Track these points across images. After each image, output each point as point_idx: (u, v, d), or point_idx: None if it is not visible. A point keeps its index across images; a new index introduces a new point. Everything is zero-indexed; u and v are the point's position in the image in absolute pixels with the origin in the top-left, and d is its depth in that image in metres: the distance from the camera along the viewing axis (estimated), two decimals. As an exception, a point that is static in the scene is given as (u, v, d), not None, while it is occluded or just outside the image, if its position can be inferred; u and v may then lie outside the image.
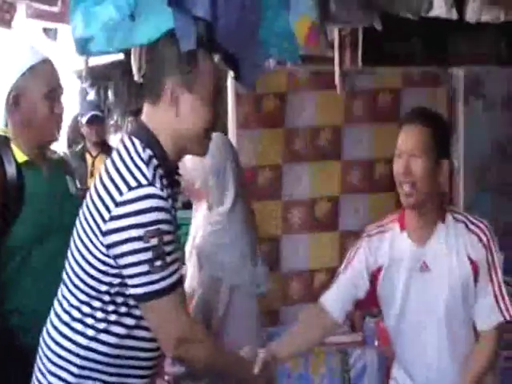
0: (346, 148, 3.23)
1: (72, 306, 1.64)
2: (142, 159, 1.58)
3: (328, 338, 2.85)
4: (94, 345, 1.62)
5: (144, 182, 1.55)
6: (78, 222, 1.66)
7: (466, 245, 2.05)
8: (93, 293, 1.61)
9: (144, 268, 1.55)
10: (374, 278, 2.11)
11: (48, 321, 1.70)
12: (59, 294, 1.69)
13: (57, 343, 1.66)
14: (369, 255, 2.13)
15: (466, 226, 2.07)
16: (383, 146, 3.31)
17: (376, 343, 2.98)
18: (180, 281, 1.64)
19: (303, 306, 3.07)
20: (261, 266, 2.46)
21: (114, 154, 1.64)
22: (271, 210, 3.07)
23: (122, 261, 1.57)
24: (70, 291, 1.65)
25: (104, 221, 1.56)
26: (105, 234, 1.57)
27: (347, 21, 2.66)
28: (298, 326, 2.19)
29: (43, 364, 1.68)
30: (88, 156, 4.65)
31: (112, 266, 1.59)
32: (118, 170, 1.58)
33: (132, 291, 1.58)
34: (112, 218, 1.55)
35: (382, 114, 3.31)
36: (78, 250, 1.64)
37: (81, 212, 1.66)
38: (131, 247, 1.54)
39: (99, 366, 1.63)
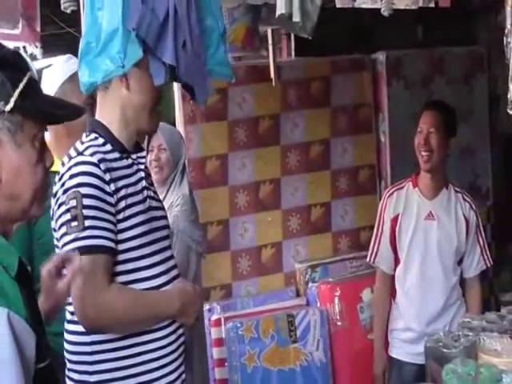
0: (284, 134, 3.43)
1: None
2: (81, 142, 1.73)
3: (276, 304, 3.13)
4: None
5: (74, 154, 1.68)
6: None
7: (462, 208, 2.72)
8: None
9: (63, 229, 1.59)
10: (393, 224, 2.71)
11: None
12: None
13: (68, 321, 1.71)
14: (390, 207, 2.76)
15: (462, 195, 2.76)
16: (317, 129, 3.54)
17: (318, 304, 3.25)
18: (100, 248, 1.58)
19: (253, 280, 3.34)
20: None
21: None
22: (219, 196, 3.26)
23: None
24: None
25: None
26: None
27: (276, 23, 2.82)
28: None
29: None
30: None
31: None
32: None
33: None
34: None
35: (315, 101, 3.51)
36: None
37: None
38: (59, 211, 1.61)
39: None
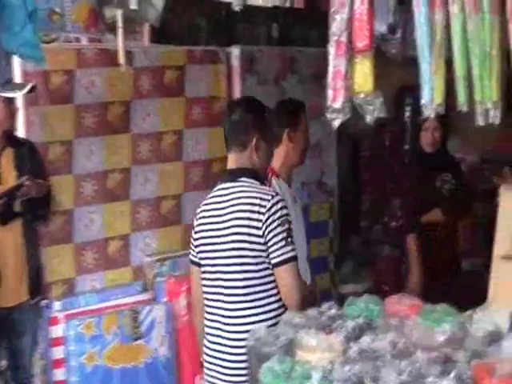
0: (135, 122, 3.19)
1: None
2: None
3: (122, 300, 2.87)
4: None
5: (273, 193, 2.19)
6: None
7: None
8: None
9: (282, 242, 2.13)
10: None
11: None
12: None
13: None
14: None
15: None
16: (170, 119, 3.33)
17: (165, 299, 3.04)
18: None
19: (99, 274, 3.05)
20: None
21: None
22: (63, 184, 2.95)
23: None
24: None
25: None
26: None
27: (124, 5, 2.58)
28: None
29: None
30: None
31: None
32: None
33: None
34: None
35: (169, 89, 3.31)
36: None
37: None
38: (274, 225, 2.14)
39: None
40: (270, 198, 2.12)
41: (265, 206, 2.11)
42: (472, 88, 1.62)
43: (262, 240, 2.10)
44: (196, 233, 2.29)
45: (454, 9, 1.59)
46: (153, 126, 3.25)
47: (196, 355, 3.03)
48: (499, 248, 1.75)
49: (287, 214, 2.14)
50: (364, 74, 1.70)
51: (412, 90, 3.85)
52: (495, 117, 1.59)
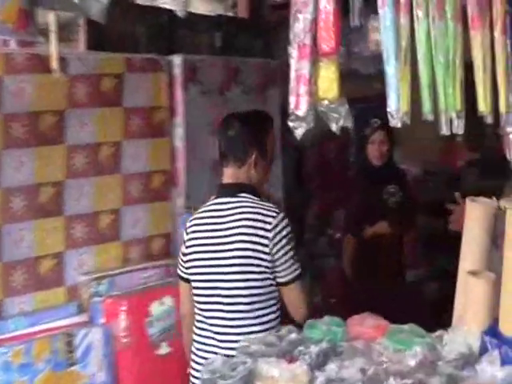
0: (70, 132, 2.98)
1: None
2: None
3: (55, 323, 2.65)
4: None
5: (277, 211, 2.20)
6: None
7: None
8: None
9: (291, 260, 2.17)
10: None
11: None
12: None
13: None
14: None
15: None
16: (108, 130, 3.14)
17: (102, 321, 2.84)
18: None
19: (29, 295, 2.82)
20: None
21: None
22: (-11, 200, 2.72)
23: None
24: None
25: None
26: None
27: (54, 7, 2.39)
28: None
29: None
30: None
31: None
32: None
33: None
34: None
35: (106, 98, 3.12)
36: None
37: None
38: (282, 243, 2.18)
39: None
40: (274, 214, 2.12)
41: (270, 223, 2.10)
42: (436, 96, 1.54)
43: (268, 257, 2.09)
44: (188, 247, 2.24)
45: (419, 13, 1.51)
46: (89, 136, 3.05)
47: (140, 376, 2.86)
48: (466, 262, 1.66)
49: (291, 231, 2.16)
50: (329, 78, 1.59)
51: (357, 101, 3.83)
52: (459, 127, 1.52)
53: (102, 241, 3.08)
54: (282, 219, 2.12)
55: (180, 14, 2.49)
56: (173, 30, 3.62)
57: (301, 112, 1.62)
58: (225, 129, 2.26)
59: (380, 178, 3.45)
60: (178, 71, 3.35)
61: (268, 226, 2.08)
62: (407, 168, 4.30)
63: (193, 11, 3.79)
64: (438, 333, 1.56)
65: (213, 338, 2.15)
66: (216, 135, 2.38)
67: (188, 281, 2.27)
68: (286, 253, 2.11)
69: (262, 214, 2.09)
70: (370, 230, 3.31)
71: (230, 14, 4.50)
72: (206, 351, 2.16)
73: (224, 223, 2.13)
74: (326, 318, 1.70)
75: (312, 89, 1.60)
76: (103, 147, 3.10)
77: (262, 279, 2.08)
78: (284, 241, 2.10)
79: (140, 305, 2.90)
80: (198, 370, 2.14)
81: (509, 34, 1.49)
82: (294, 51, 1.61)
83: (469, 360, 1.42)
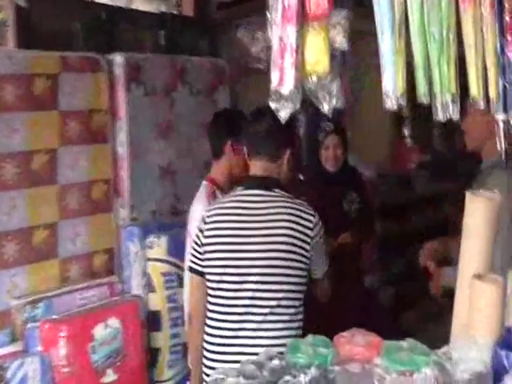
0: (1, 140, 2.67)
1: None
2: None
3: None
4: None
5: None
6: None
7: None
8: None
9: (323, 257, 2.31)
10: None
11: None
12: None
13: None
14: None
15: None
16: (41, 136, 2.84)
17: (39, 349, 2.54)
18: None
19: None
20: None
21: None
22: None
23: None
24: None
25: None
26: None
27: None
28: None
29: None
30: None
31: None
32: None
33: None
34: None
35: (39, 101, 2.81)
36: None
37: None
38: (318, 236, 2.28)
39: None
40: (313, 212, 2.16)
41: (311, 221, 2.14)
42: (431, 76, 1.35)
43: (308, 254, 2.14)
44: (207, 237, 2.15)
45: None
46: (20, 144, 2.74)
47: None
48: (467, 267, 1.46)
49: None
50: (319, 49, 1.35)
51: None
52: (454, 112, 1.33)
53: (36, 259, 2.78)
54: (319, 219, 2.18)
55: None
56: (113, 27, 3.34)
57: (286, 89, 1.34)
58: (261, 122, 2.19)
59: (336, 184, 3.33)
60: (119, 71, 3.09)
61: (310, 224, 2.12)
62: (362, 171, 4.18)
63: (134, 8, 3.52)
64: (443, 349, 1.35)
65: (242, 337, 2.06)
66: (245, 127, 2.34)
67: (202, 274, 2.17)
68: (323, 251, 2.21)
69: (304, 212, 2.11)
70: (334, 243, 3.16)
71: (174, 11, 4.27)
72: (231, 353, 2.06)
73: (259, 215, 2.10)
74: (310, 338, 1.47)
75: (298, 61, 1.33)
76: (37, 155, 2.80)
77: (299, 276, 2.11)
78: (322, 239, 2.18)
79: (81, 329, 2.64)
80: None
81: (497, 10, 1.32)
82: (276, 14, 1.32)
83: (486, 380, 1.22)
